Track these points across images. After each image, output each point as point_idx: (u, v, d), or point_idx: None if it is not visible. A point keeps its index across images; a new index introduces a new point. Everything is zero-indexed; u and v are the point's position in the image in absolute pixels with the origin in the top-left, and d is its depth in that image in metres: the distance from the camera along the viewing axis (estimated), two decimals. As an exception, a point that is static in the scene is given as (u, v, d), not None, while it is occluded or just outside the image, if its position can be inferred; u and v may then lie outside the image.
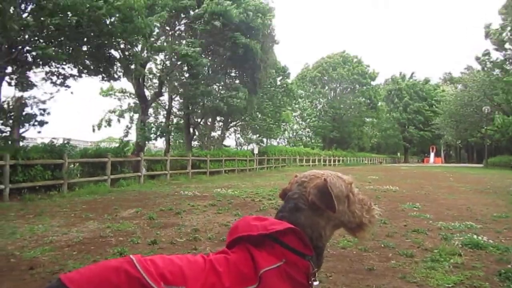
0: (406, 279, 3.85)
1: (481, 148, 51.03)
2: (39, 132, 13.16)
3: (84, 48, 13.53)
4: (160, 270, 1.14)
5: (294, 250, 1.23)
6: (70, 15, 10.92)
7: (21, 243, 5.27)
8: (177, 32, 22.38)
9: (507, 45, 33.27)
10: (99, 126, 25.08)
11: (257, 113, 30.46)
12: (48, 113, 13.37)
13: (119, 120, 25.38)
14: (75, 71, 14.20)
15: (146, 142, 20.61)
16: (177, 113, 27.09)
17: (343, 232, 4.75)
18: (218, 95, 22.66)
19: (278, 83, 32.54)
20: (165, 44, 19.06)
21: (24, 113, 12.88)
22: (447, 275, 3.96)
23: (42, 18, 10.72)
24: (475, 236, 5.49)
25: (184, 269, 1.18)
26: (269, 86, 29.88)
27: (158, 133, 19.44)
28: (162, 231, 6.07)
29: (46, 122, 13.49)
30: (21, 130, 13.13)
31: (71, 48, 12.74)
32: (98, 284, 1.07)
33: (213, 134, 30.50)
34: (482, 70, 38.63)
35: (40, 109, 13.19)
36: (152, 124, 22.02)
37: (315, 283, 1.25)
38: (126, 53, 15.27)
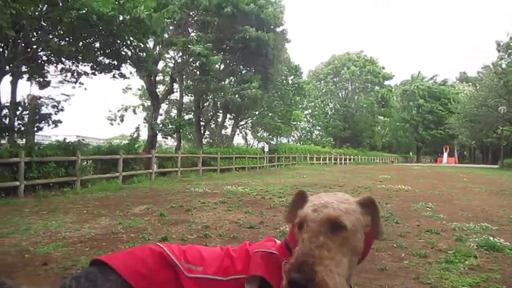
0: (419, 279, 3.78)
1: (497, 149, 50.10)
2: (53, 128, 13.24)
3: (96, 45, 13.65)
4: (182, 251, 1.35)
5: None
6: (82, 12, 11.01)
7: (35, 239, 5.33)
8: (188, 26, 22.40)
9: None
10: (114, 119, 25.35)
11: (267, 112, 30.34)
12: (62, 109, 13.50)
13: (135, 111, 25.64)
14: (88, 69, 14.36)
15: (158, 139, 20.76)
16: (188, 110, 27.22)
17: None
18: (230, 90, 22.60)
19: (290, 82, 32.39)
20: (176, 39, 19.08)
21: (39, 112, 13.04)
22: (462, 277, 3.87)
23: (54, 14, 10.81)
24: (491, 238, 5.36)
25: (203, 253, 1.37)
26: (280, 84, 29.77)
27: (174, 127, 19.51)
28: (173, 227, 6.09)
29: (60, 122, 13.67)
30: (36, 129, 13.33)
31: (82, 46, 12.87)
32: (126, 257, 1.28)
33: (223, 132, 30.55)
34: (495, 74, 37.97)
35: (54, 106, 13.33)
36: (167, 120, 22.12)
37: None
38: (138, 50, 15.36)
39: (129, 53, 15.03)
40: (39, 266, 4.08)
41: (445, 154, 63.22)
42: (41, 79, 13.69)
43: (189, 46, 18.56)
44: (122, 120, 25.50)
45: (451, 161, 61.07)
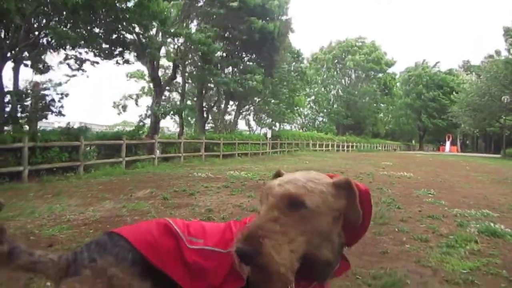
0: (420, 263, 3.83)
1: (499, 138, 49.91)
2: (57, 115, 13.19)
3: (97, 30, 13.55)
4: (185, 225, 1.41)
5: None
6: None
7: (40, 221, 5.40)
8: (192, 17, 22.22)
9: None
10: (118, 106, 25.39)
11: (270, 98, 30.23)
12: (67, 95, 13.43)
13: (137, 102, 25.65)
14: (91, 56, 14.28)
15: (161, 125, 20.78)
16: (191, 96, 27.17)
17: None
18: (233, 78, 22.52)
19: (292, 68, 32.19)
20: (179, 30, 18.97)
21: (42, 100, 13.01)
22: (463, 261, 3.92)
23: None
24: (492, 224, 5.39)
25: (206, 228, 1.42)
26: (283, 70, 29.61)
27: (174, 110, 19.48)
28: (176, 211, 6.15)
29: (62, 107, 13.66)
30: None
31: (85, 32, 12.78)
32: (133, 228, 1.39)
33: (226, 117, 30.53)
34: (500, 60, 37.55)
35: (56, 91, 13.30)
36: (167, 104, 22.12)
37: None
38: (141, 37, 15.25)
39: (132, 39, 14.93)
40: (45, 247, 4.13)
41: (448, 143, 62.98)
42: (43, 66, 13.62)
43: (190, 33, 18.40)
44: (124, 110, 25.54)
45: (453, 150, 60.86)
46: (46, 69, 14.03)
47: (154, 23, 14.54)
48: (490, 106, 40.28)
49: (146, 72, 22.79)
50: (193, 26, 21.43)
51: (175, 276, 1.26)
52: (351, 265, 3.69)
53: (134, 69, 26.38)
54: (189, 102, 26.11)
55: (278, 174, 1.29)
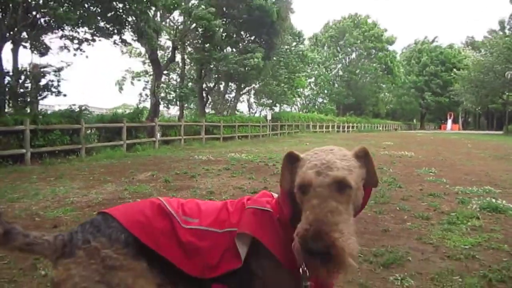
0: (422, 240, 3.85)
1: (502, 115, 49.73)
2: (56, 95, 13.10)
3: (95, 9, 13.32)
4: (180, 203, 1.42)
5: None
6: None
7: (44, 203, 5.44)
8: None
9: None
10: (118, 84, 25.14)
11: (271, 79, 29.97)
12: (60, 69, 13.30)
13: (132, 83, 25.38)
14: (88, 35, 14.08)
15: (160, 108, 20.67)
16: (191, 79, 26.93)
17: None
18: (233, 59, 22.26)
19: (293, 49, 31.80)
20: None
21: (41, 82, 12.91)
22: (464, 237, 3.94)
23: None
24: (493, 200, 5.41)
25: (201, 207, 1.42)
26: (283, 51, 29.24)
27: (178, 96, 19.30)
28: (178, 193, 6.17)
29: (65, 95, 13.56)
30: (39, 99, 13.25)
31: (83, 11, 12.57)
32: (127, 209, 1.38)
33: (226, 99, 30.35)
34: (504, 34, 36.94)
35: (55, 74, 13.16)
36: (170, 86, 21.93)
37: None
38: (138, 17, 14.98)
39: (130, 19, 14.67)
40: (50, 228, 4.17)
41: (449, 121, 62.82)
42: (42, 47, 13.46)
43: (190, 10, 18.06)
44: (121, 89, 25.29)
45: (455, 128, 60.75)
46: (46, 50, 13.88)
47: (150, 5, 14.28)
48: (493, 82, 39.95)
49: (143, 52, 22.51)
50: (191, 5, 20.97)
51: (170, 256, 1.28)
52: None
53: (133, 51, 25.99)
54: (189, 84, 25.83)
55: (290, 156, 1.31)
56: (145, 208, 1.36)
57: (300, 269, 1.20)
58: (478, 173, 8.69)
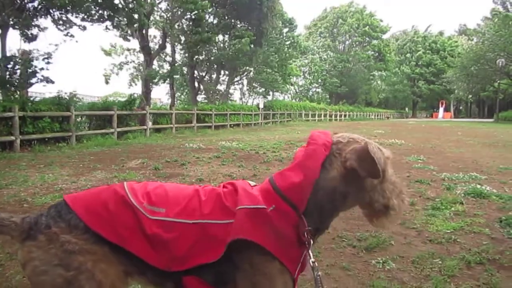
0: (405, 225, 3.92)
1: (493, 103, 50.15)
2: (45, 84, 12.97)
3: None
4: (146, 191, 1.34)
5: (287, 200, 1.27)
6: None
7: (33, 190, 5.43)
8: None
9: None
10: (107, 76, 24.82)
11: (263, 66, 29.81)
12: (50, 62, 13.14)
13: (117, 74, 24.95)
14: (78, 20, 13.88)
15: (152, 97, 20.53)
16: (183, 65, 26.67)
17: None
18: (223, 45, 22.07)
19: (285, 35, 31.56)
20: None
21: (30, 68, 12.71)
22: (447, 221, 4.02)
23: None
24: (478, 186, 5.50)
25: (169, 194, 1.33)
26: (275, 38, 29.01)
27: (165, 76, 19.11)
28: (167, 180, 6.18)
29: (53, 82, 13.36)
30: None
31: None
32: (89, 199, 1.32)
33: (218, 88, 30.20)
34: (496, 23, 37.12)
35: (44, 59, 12.98)
36: (157, 71, 21.72)
37: (310, 242, 1.26)
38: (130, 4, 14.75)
39: (120, 4, 14.44)
40: (37, 215, 4.17)
41: (441, 109, 63.29)
42: (30, 32, 13.24)
43: None
44: (107, 82, 24.96)
45: (447, 116, 61.26)
46: (34, 37, 13.66)
47: None
48: (485, 70, 40.23)
49: (133, 42, 22.17)
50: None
51: (134, 250, 1.25)
52: (338, 229, 3.79)
53: (121, 41, 25.43)
54: (180, 73, 25.57)
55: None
56: (108, 200, 1.30)
57: (310, 261, 1.26)
58: (465, 160, 8.81)
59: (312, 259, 1.27)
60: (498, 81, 39.13)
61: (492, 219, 4.12)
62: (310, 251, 1.27)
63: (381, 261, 2.99)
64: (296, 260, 1.28)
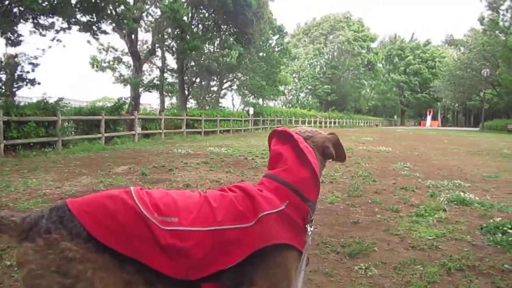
0: (389, 231, 3.95)
1: (479, 112, 51.11)
2: (30, 87, 12.83)
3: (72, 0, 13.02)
4: (155, 201, 1.30)
5: (299, 194, 1.40)
6: None
7: (15, 195, 5.34)
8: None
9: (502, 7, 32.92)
10: (98, 67, 24.16)
11: (251, 73, 29.82)
12: (37, 65, 12.99)
13: (103, 70, 24.23)
14: (65, 25, 13.75)
15: (142, 102, 20.41)
16: (173, 72, 26.62)
17: (331, 188, 4.83)
18: (211, 54, 22.11)
19: (274, 42, 31.70)
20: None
21: (16, 72, 12.55)
22: (430, 228, 4.07)
23: None
24: (461, 194, 5.59)
25: (178, 202, 1.32)
26: (263, 44, 29.12)
27: (151, 84, 19.09)
28: (154, 186, 6.14)
29: (39, 83, 13.22)
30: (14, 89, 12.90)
31: (58, 1, 12.26)
32: (95, 207, 1.25)
33: (208, 94, 30.15)
34: (483, 32, 38.07)
35: (30, 63, 12.84)
36: (145, 78, 21.62)
37: (310, 228, 1.41)
38: (117, 3, 14.63)
39: (108, 9, 14.37)
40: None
41: (429, 117, 64.26)
42: (15, 37, 13.09)
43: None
44: (104, 70, 24.19)
45: (434, 124, 62.16)
46: (19, 41, 13.49)
47: None
48: (471, 79, 41.09)
49: (123, 45, 22.04)
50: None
51: (150, 262, 1.23)
52: (322, 235, 3.83)
53: (110, 42, 25.16)
54: (170, 79, 25.51)
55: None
56: (117, 212, 1.25)
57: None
58: (450, 168, 8.94)
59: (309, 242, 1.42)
60: (483, 91, 39.95)
61: (474, 226, 4.19)
62: (310, 239, 1.42)
63: (363, 267, 3.01)
64: (304, 246, 1.39)
